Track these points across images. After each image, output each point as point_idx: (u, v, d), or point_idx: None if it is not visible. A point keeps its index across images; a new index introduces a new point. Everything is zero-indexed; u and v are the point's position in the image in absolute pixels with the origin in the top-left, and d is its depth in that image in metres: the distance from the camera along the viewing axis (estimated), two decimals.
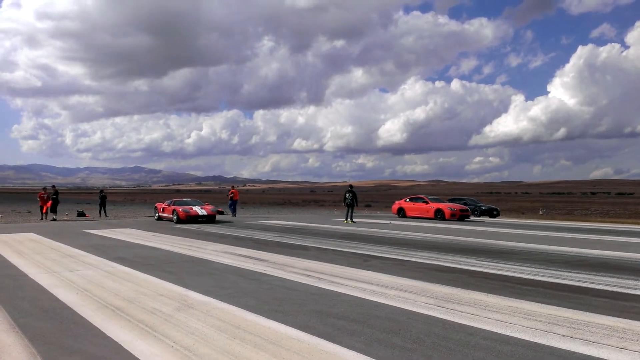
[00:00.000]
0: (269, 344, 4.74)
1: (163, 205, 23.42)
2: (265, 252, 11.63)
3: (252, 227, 19.93)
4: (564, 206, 58.74)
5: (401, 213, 27.63)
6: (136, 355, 4.43)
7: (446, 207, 25.70)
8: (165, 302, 6.48)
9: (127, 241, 14.23)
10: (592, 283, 7.93)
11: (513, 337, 4.98)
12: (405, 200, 28.30)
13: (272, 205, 56.63)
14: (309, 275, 8.48)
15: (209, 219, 21.93)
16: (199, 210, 21.91)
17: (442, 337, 5.01)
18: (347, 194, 23.02)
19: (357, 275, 8.54)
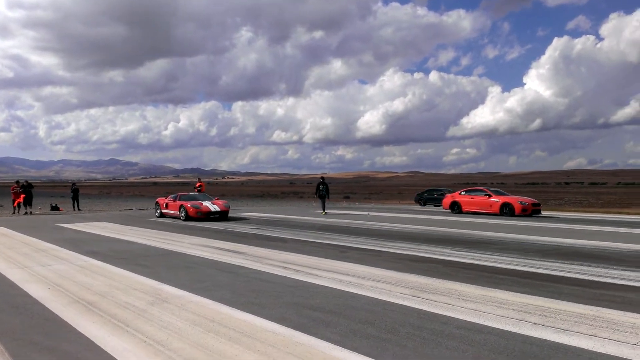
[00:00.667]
0: (244, 336, 4.71)
1: (166, 201, 20.59)
2: (243, 245, 11.56)
3: (230, 219, 19.79)
4: (538, 196, 59.70)
5: (455, 208, 23.54)
6: (108, 351, 4.35)
7: (516, 200, 21.40)
8: (139, 297, 6.38)
9: (101, 235, 13.99)
10: (565, 272, 8.08)
11: (486, 325, 5.05)
12: (460, 194, 24.16)
13: (251, 198, 56.41)
14: (286, 268, 8.46)
15: (222, 216, 19.11)
16: (210, 205, 19.08)
17: (416, 326, 5.05)
18: (321, 186, 23.68)
19: (334, 267, 8.55)
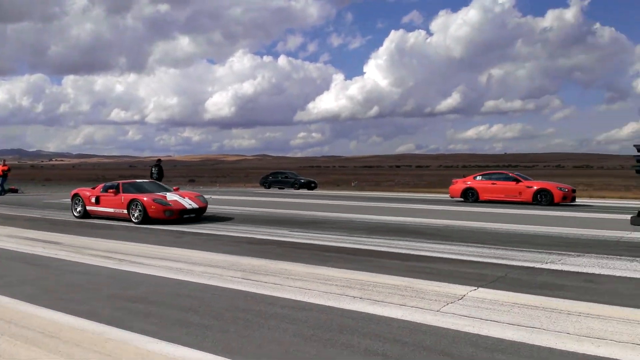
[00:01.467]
0: (45, 337, 4.16)
1: (95, 193, 13.66)
2: (61, 234, 10.38)
3: (50, 206, 17.72)
4: (373, 178, 64.73)
5: (470, 196, 19.37)
6: None
7: (554, 186, 18.08)
8: None
9: None
10: (387, 247, 8.73)
11: (309, 302, 5.18)
12: (476, 178, 20.02)
13: (82, 182, 51.38)
14: (109, 257, 7.77)
15: (198, 215, 13.21)
16: (182, 200, 12.91)
17: (242, 309, 4.98)
18: (153, 168, 22.42)
19: (165, 254, 8.12)
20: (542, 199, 17.67)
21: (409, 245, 8.91)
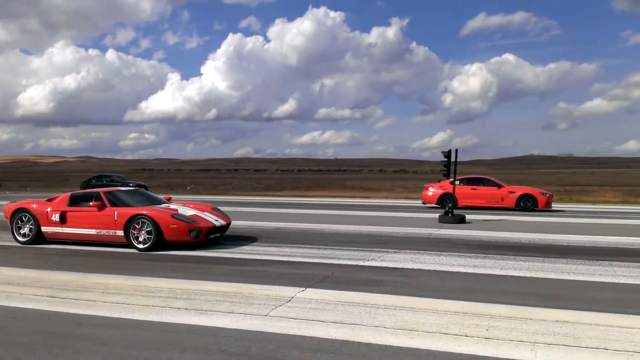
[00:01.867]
0: None
1: (60, 208, 9.36)
2: None
3: None
4: (210, 181, 63.48)
5: (448, 202, 16.78)
6: None
7: (538, 192, 17.65)
8: None
9: None
10: (218, 252, 8.44)
11: (127, 318, 4.71)
12: (453, 183, 16.70)
13: None
14: None
15: (222, 234, 9.90)
16: (201, 215, 9.43)
17: (44, 332, 4.31)
18: None
19: None
20: (527, 204, 17.37)
21: (241, 249, 8.76)
